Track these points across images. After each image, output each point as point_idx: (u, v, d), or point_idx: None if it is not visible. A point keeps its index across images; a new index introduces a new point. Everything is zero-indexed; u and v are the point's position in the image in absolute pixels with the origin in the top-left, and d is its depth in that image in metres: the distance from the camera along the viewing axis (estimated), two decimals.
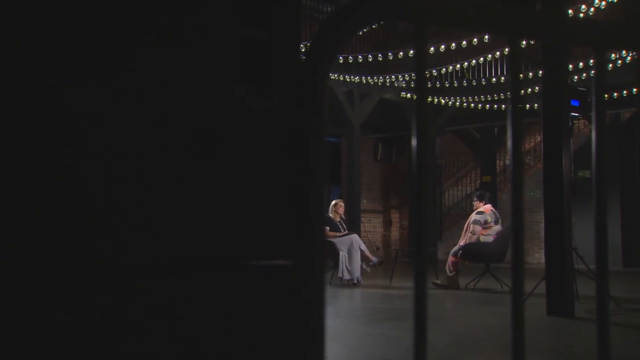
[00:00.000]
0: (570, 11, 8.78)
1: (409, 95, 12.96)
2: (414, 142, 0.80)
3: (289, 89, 0.97)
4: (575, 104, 6.59)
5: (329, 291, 8.06)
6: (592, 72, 9.32)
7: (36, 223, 0.80)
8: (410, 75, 12.31)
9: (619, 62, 10.35)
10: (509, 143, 0.91)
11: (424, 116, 0.82)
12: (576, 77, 10.77)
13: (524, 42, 9.29)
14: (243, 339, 0.95)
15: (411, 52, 11.06)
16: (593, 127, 0.99)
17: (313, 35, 0.81)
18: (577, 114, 6.61)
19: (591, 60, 10.43)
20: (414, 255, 0.81)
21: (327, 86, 0.78)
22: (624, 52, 9.03)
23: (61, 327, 0.83)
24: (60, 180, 0.81)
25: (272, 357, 0.93)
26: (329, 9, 12.38)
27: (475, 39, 10.55)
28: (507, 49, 10.79)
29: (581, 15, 9.24)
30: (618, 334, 4.71)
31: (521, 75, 11.63)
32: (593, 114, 1.00)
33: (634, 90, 8.34)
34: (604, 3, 9.22)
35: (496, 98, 12.59)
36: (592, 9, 9.34)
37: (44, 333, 0.81)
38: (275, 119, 0.94)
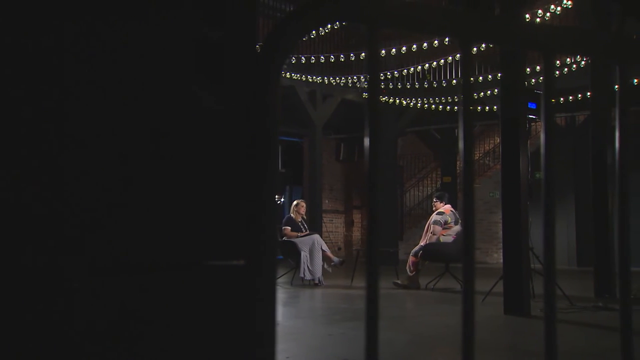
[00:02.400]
0: (527, 16, 8.96)
1: None
2: (366, 142, 0.81)
3: (243, 87, 0.97)
4: (532, 107, 6.72)
5: (291, 291, 8.05)
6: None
7: None
8: None
9: (574, 66, 10.61)
10: (460, 144, 0.92)
11: (376, 118, 0.82)
12: (534, 80, 10.99)
13: (483, 45, 9.44)
14: (195, 339, 0.94)
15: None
16: (542, 129, 1.01)
17: (267, 34, 0.81)
18: (534, 116, 6.74)
19: None
20: (366, 254, 0.82)
21: (280, 84, 0.78)
22: (578, 56, 9.26)
23: (12, 329, 0.81)
24: (9, 181, 0.79)
25: (225, 357, 0.93)
26: (290, 8, 12.38)
27: (436, 41, 10.67)
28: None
29: (537, 20, 9.44)
30: (571, 331, 4.82)
31: (480, 78, 11.82)
32: (542, 116, 1.02)
33: (588, 93, 8.56)
34: (559, 9, 9.44)
35: (457, 100, 12.77)
36: (548, 14, 9.55)
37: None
38: (229, 118, 0.93)
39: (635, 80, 10.23)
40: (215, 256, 0.96)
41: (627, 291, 0.97)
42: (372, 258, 0.81)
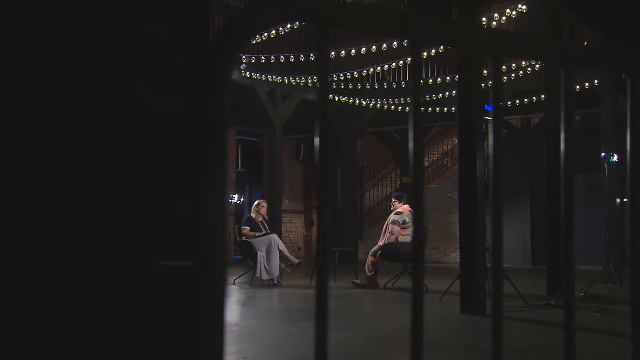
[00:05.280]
0: (484, 19, 9.12)
1: (330, 96, 13.08)
2: (316, 141, 0.81)
3: (194, 86, 0.96)
4: (489, 108, 6.84)
5: (249, 292, 8.02)
6: (505, 77, 9.59)
7: None
8: (331, 77, 12.43)
9: (529, 69, 10.84)
10: (411, 145, 0.93)
11: (326, 119, 0.83)
12: (491, 82, 11.16)
13: (441, 47, 9.56)
14: (145, 339, 0.93)
15: (337, 53, 11.17)
16: (491, 130, 1.03)
17: (218, 32, 0.80)
18: (491, 118, 6.85)
19: (504, 67, 10.87)
20: (317, 254, 0.82)
21: (229, 84, 0.77)
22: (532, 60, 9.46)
23: None
24: None
25: (175, 357, 0.92)
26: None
27: (395, 43, 10.77)
28: (425, 53, 11.07)
29: (494, 24, 9.61)
30: (524, 328, 4.92)
31: (439, 80, 11.96)
32: (492, 118, 1.04)
33: (543, 96, 8.76)
34: (515, 13, 9.63)
35: None
36: (504, 19, 9.74)
37: None
38: (179, 117, 0.92)
39: (587, 85, 10.52)
40: (165, 257, 0.95)
41: (571, 289, 1.00)
42: (322, 256, 0.81)
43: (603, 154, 8.05)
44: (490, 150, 1.00)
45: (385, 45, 11.05)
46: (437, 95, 12.11)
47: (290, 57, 11.70)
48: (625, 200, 8.56)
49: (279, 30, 11.06)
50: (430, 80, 12.25)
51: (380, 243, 8.48)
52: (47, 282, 0.89)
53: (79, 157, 0.88)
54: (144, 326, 0.93)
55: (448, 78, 11.94)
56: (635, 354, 1.03)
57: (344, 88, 13.10)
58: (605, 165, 7.96)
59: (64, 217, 0.88)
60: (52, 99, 0.82)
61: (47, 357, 0.88)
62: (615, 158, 7.91)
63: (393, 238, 8.35)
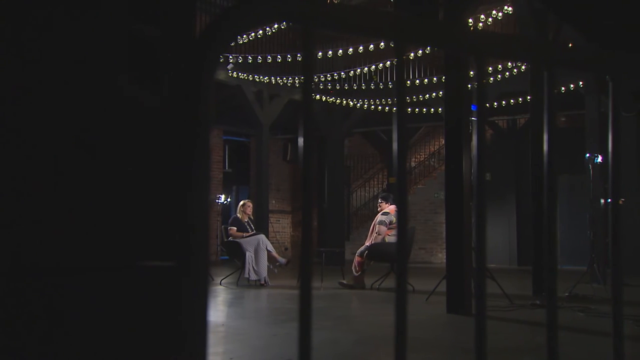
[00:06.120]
0: (470, 20, 9.16)
1: (317, 96, 13.09)
2: (300, 142, 0.81)
3: (179, 85, 0.96)
4: (475, 109, 6.86)
5: (236, 292, 8.00)
6: (492, 78, 9.57)
7: None
8: (318, 77, 12.43)
9: (515, 70, 10.90)
10: (394, 146, 0.94)
11: (311, 119, 0.83)
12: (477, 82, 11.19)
13: (428, 48, 9.59)
14: (128, 339, 0.92)
15: (324, 53, 11.16)
16: (474, 131, 1.03)
17: (200, 34, 0.80)
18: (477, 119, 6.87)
19: (490, 68, 10.93)
20: (300, 255, 0.82)
21: (213, 84, 0.77)
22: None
23: None
24: None
25: (157, 357, 0.92)
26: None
27: (382, 43, 10.79)
28: (412, 53, 11.10)
29: (480, 25, 9.67)
30: (510, 328, 4.95)
31: (425, 81, 12.00)
32: (477, 119, 1.05)
33: (528, 97, 8.82)
34: (500, 14, 9.69)
35: None
36: (490, 20, 9.80)
37: None
38: (164, 116, 0.92)
39: (572, 86, 10.60)
40: (148, 257, 0.95)
41: (553, 289, 1.01)
42: (305, 256, 0.81)
43: (587, 155, 8.12)
44: (475, 150, 1.01)
45: (372, 46, 11.07)
46: (423, 96, 12.14)
47: (277, 57, 11.69)
48: (609, 200, 8.63)
49: (266, 30, 11.04)
50: (417, 81, 12.28)
51: (367, 243, 8.49)
52: (32, 283, 0.88)
53: (62, 157, 0.87)
54: (127, 326, 0.93)
55: (434, 79, 11.98)
56: (616, 353, 1.04)
57: (330, 88, 13.10)
58: (590, 165, 8.03)
59: (48, 218, 0.87)
60: (37, 101, 0.82)
61: (29, 357, 0.88)
62: (600, 159, 7.97)
63: (380, 238, 8.37)
